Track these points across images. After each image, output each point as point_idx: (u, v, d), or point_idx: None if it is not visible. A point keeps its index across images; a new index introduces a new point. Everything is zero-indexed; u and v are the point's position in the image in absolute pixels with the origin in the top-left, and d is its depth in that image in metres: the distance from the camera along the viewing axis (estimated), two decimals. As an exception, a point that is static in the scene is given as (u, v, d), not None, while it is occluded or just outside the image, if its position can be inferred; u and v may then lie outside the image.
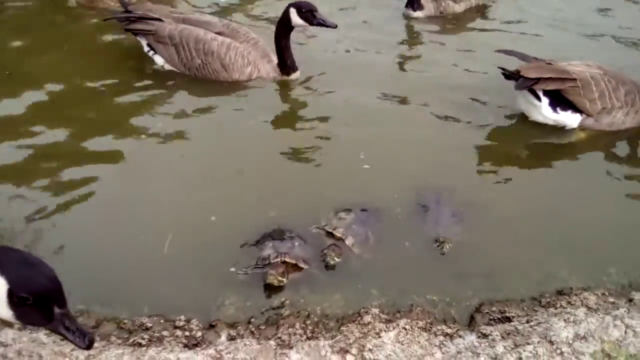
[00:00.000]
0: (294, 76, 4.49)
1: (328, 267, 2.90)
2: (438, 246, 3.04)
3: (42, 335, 2.39)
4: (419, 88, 4.51)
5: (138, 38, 4.52)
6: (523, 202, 3.43)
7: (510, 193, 3.52)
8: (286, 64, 4.43)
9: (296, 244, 2.90)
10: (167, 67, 4.48)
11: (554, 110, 3.90)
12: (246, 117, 4.10)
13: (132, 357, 2.23)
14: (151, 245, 3.00)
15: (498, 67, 3.94)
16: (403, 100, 4.38)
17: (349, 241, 2.95)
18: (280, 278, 2.74)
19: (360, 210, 3.17)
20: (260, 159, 3.68)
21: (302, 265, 2.82)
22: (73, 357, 2.22)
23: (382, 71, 4.77)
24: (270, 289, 2.78)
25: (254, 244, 2.99)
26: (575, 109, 3.90)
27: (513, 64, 4.01)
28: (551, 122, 4.01)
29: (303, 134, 3.99)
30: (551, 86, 3.79)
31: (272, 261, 2.78)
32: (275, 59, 4.46)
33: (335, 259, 2.90)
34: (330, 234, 3.01)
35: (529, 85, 3.77)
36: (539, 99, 3.90)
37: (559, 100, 3.89)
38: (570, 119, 3.95)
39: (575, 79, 3.80)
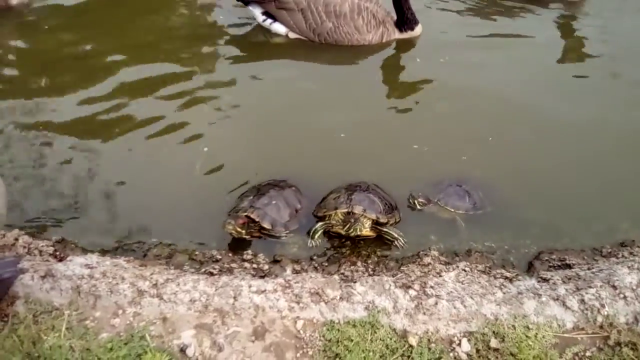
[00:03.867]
0: (417, 30, 4.27)
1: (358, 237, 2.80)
2: (409, 200, 2.99)
3: (122, 260, 2.56)
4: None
5: (250, 8, 4.26)
6: (586, 156, 3.37)
7: (573, 146, 3.44)
8: (406, 18, 4.20)
9: (273, 202, 2.83)
10: (292, 35, 4.23)
11: None
12: (352, 81, 3.97)
13: (207, 283, 2.36)
14: (216, 185, 3.12)
15: None
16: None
17: (357, 209, 2.75)
18: (238, 229, 2.70)
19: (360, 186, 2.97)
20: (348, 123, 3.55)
21: (265, 225, 2.76)
22: (153, 279, 2.36)
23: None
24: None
25: (243, 193, 2.97)
26: None
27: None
28: None
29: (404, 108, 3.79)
30: None
31: (239, 214, 2.75)
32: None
33: (363, 228, 2.76)
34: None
35: None
36: None
37: None
38: None
39: None
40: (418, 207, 2.97)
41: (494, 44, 4.39)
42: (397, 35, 4.29)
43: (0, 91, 3.81)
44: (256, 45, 4.36)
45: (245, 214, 2.74)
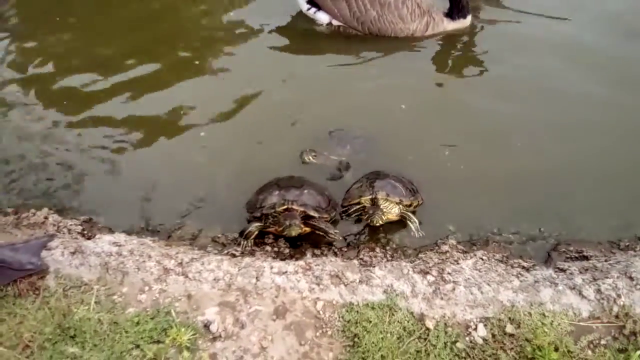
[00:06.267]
0: (468, 19, 4.23)
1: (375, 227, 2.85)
2: (300, 157, 3.21)
3: (148, 240, 2.64)
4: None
5: None
6: (606, 152, 3.37)
7: (593, 141, 3.45)
8: (462, 5, 4.13)
9: (305, 191, 2.76)
10: (336, 23, 4.22)
11: None
12: (394, 72, 3.93)
13: (231, 263, 2.43)
14: (234, 175, 3.18)
15: None
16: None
17: (380, 195, 2.79)
18: (302, 226, 2.66)
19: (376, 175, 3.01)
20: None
21: (311, 213, 2.68)
22: (178, 258, 2.44)
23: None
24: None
25: (258, 192, 2.87)
26: None
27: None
28: None
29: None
30: None
31: (277, 209, 2.66)
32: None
33: (382, 218, 2.79)
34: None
35: None
36: None
37: None
38: None
39: None
40: (312, 159, 3.19)
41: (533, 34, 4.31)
42: (444, 25, 4.26)
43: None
44: (297, 34, 4.34)
45: (285, 207, 2.65)
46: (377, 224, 2.80)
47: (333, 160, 3.23)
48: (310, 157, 3.18)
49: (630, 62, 4.05)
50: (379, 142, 3.34)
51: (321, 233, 2.72)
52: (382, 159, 3.23)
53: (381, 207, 2.77)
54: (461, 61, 4.14)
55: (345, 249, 2.77)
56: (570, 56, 4.09)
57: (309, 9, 4.28)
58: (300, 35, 4.35)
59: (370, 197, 2.80)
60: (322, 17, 4.26)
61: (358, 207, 2.85)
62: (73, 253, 2.45)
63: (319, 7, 4.24)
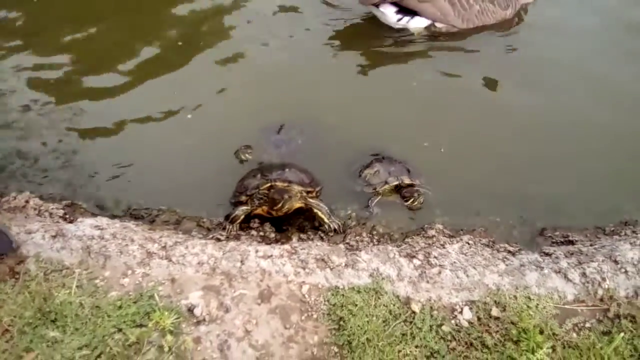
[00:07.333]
0: None
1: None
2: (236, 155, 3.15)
3: (131, 224, 2.60)
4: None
5: (381, 9, 3.94)
6: (592, 139, 3.37)
7: (583, 129, 3.45)
8: None
9: (287, 170, 2.78)
10: (439, 25, 3.99)
11: None
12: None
13: (215, 247, 2.40)
14: (222, 159, 3.14)
15: None
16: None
17: (406, 180, 2.99)
18: (294, 203, 2.67)
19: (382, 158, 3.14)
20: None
21: (295, 187, 2.69)
22: (162, 242, 2.41)
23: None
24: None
25: (241, 180, 2.86)
26: None
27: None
28: None
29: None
30: None
31: (261, 188, 2.67)
32: None
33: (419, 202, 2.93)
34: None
35: None
36: None
37: None
38: None
39: None
40: (248, 156, 3.14)
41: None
42: (520, 2, 4.24)
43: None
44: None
45: (268, 184, 2.66)
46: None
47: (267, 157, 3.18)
48: (247, 155, 3.14)
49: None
50: (321, 140, 3.25)
51: (319, 213, 2.73)
52: (330, 156, 3.18)
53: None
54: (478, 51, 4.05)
55: (332, 234, 2.75)
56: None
57: (399, 20, 3.97)
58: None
59: (396, 183, 2.93)
60: (419, 24, 4.00)
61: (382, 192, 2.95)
62: (54, 237, 2.40)
63: (412, 14, 3.97)
